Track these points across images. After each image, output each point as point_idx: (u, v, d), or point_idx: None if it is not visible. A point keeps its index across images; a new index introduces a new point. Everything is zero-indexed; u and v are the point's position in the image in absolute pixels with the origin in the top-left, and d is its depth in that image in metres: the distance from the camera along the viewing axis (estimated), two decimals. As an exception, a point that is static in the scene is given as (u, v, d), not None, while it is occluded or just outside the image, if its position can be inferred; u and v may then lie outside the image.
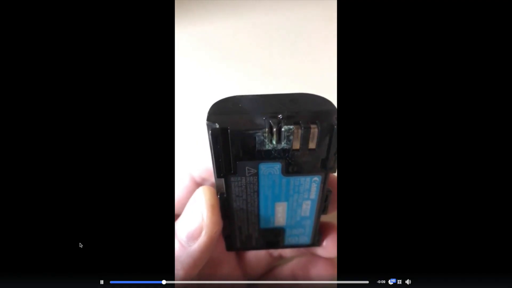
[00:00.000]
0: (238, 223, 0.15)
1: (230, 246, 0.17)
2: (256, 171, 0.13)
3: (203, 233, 0.14)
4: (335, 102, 0.13)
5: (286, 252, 0.19)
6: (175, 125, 0.15)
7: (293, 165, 0.13)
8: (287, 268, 0.19)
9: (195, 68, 0.31)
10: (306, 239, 0.16)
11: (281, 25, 0.32)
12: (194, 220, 0.14)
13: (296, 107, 0.13)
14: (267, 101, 0.13)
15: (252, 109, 0.13)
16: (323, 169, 0.13)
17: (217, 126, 0.12)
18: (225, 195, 0.14)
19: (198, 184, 0.17)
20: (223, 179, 0.13)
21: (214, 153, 0.13)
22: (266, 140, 0.12)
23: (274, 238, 0.16)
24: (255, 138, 0.12)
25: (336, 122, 0.12)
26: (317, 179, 0.14)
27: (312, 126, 0.12)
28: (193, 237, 0.14)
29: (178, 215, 0.15)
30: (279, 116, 0.12)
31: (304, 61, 0.30)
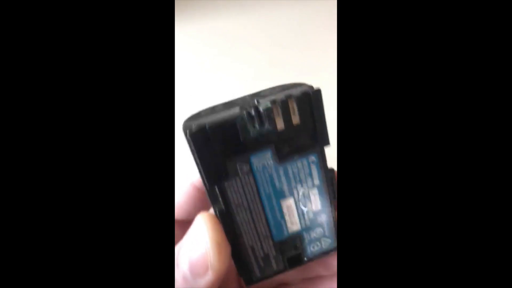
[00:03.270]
0: (249, 241, 0.13)
1: (249, 279, 0.14)
2: (248, 166, 0.12)
3: (210, 272, 0.12)
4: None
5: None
6: (175, 126, 0.14)
7: (284, 147, 0.12)
8: None
9: (196, 67, 0.31)
10: (329, 241, 0.15)
11: (283, 23, 0.32)
12: (198, 255, 0.12)
13: (268, 92, 0.13)
14: (240, 99, 0.13)
15: (225, 108, 0.12)
16: (315, 143, 0.12)
17: (193, 126, 0.11)
18: (224, 210, 0.13)
19: (197, 188, 0.15)
20: (216, 189, 0.12)
21: (199, 159, 0.12)
22: (249, 127, 0.12)
23: (294, 250, 0.14)
24: (235, 126, 0.11)
25: (310, 90, 0.12)
26: (314, 158, 0.13)
27: (289, 99, 0.12)
28: (198, 274, 0.12)
29: (177, 220, 0.13)
30: (254, 100, 0.12)
31: (307, 59, 0.30)
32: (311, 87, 0.12)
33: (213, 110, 0.13)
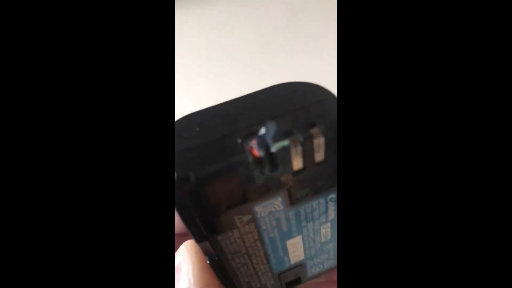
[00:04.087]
0: (245, 279, 0.11)
1: None
2: (250, 216, 0.09)
3: None
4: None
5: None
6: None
7: (299, 189, 0.09)
8: None
9: (191, 54, 0.30)
10: (332, 262, 0.13)
11: (278, 12, 0.31)
12: None
13: (278, 108, 0.09)
14: (235, 110, 0.09)
15: (216, 128, 0.08)
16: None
17: (174, 176, 0.08)
18: (216, 258, 0.10)
19: None
20: (207, 244, 0.09)
21: (183, 216, 0.08)
22: (255, 173, 0.08)
23: (294, 276, 0.12)
24: (237, 175, 0.08)
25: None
26: (333, 196, 0.10)
27: (313, 131, 0.08)
28: None
29: None
30: (261, 131, 0.08)
31: (303, 47, 0.29)
32: (331, 97, 0.09)
33: (199, 123, 0.09)
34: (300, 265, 0.12)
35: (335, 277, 0.15)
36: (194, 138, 0.08)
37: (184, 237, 0.12)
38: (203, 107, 0.09)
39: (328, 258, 0.12)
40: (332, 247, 0.12)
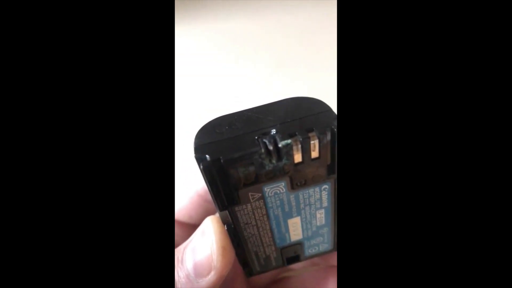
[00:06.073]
0: (253, 248, 0.14)
1: (250, 273, 0.16)
2: (260, 194, 0.12)
3: (213, 273, 0.13)
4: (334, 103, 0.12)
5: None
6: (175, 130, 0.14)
7: (299, 178, 0.12)
8: (298, 281, 0.18)
9: (203, 67, 0.32)
10: (327, 246, 0.15)
11: (288, 26, 0.34)
12: (203, 257, 0.13)
13: (287, 116, 0.12)
14: (255, 116, 0.12)
15: (240, 127, 0.12)
16: (331, 174, 0.12)
17: (208, 158, 0.11)
18: (232, 226, 0.13)
19: (200, 195, 0.16)
20: (227, 212, 0.12)
21: (211, 187, 0.11)
22: (265, 162, 0.11)
23: (293, 253, 0.15)
24: (252, 162, 0.11)
25: (335, 124, 0.11)
26: (326, 186, 0.13)
27: (311, 134, 0.11)
28: (201, 275, 0.13)
29: (178, 221, 0.15)
30: (272, 131, 0.11)
31: (313, 60, 0.31)
32: (329, 110, 0.12)
33: (227, 124, 0.12)
34: (299, 243, 0.15)
35: (331, 262, 0.18)
36: (224, 133, 0.11)
37: (194, 228, 0.15)
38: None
39: (323, 241, 0.15)
40: (326, 232, 0.15)
